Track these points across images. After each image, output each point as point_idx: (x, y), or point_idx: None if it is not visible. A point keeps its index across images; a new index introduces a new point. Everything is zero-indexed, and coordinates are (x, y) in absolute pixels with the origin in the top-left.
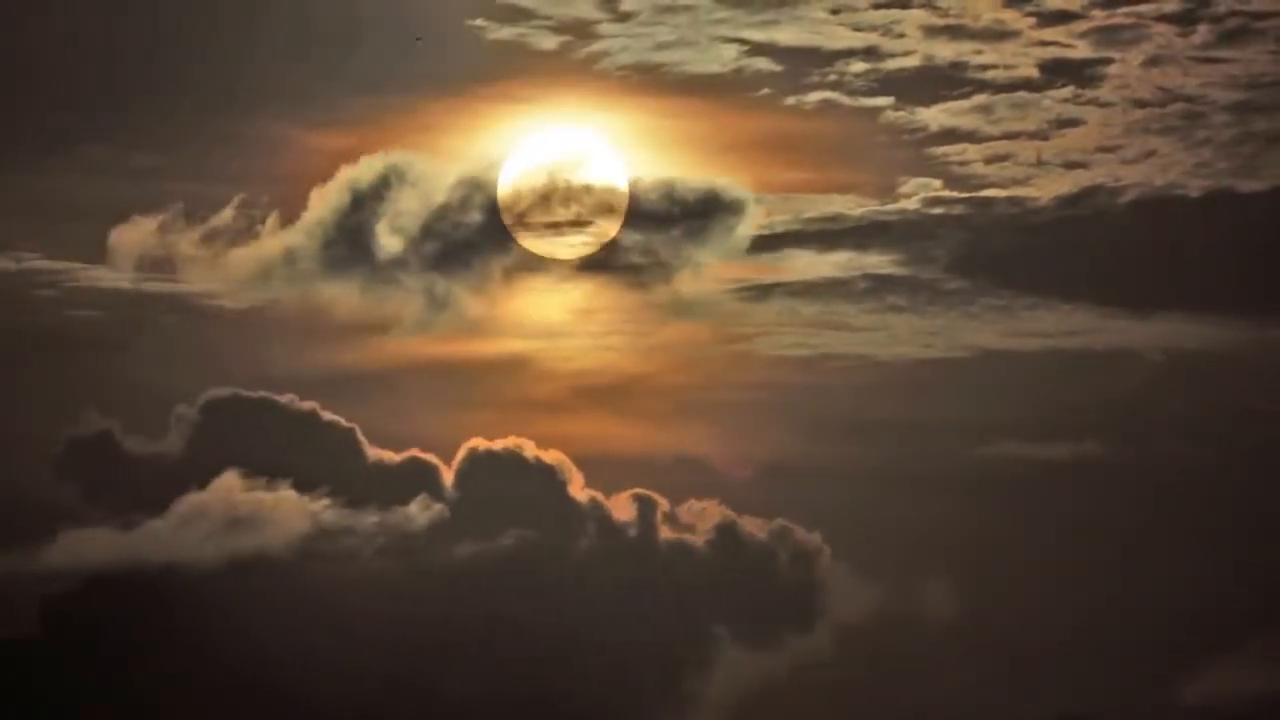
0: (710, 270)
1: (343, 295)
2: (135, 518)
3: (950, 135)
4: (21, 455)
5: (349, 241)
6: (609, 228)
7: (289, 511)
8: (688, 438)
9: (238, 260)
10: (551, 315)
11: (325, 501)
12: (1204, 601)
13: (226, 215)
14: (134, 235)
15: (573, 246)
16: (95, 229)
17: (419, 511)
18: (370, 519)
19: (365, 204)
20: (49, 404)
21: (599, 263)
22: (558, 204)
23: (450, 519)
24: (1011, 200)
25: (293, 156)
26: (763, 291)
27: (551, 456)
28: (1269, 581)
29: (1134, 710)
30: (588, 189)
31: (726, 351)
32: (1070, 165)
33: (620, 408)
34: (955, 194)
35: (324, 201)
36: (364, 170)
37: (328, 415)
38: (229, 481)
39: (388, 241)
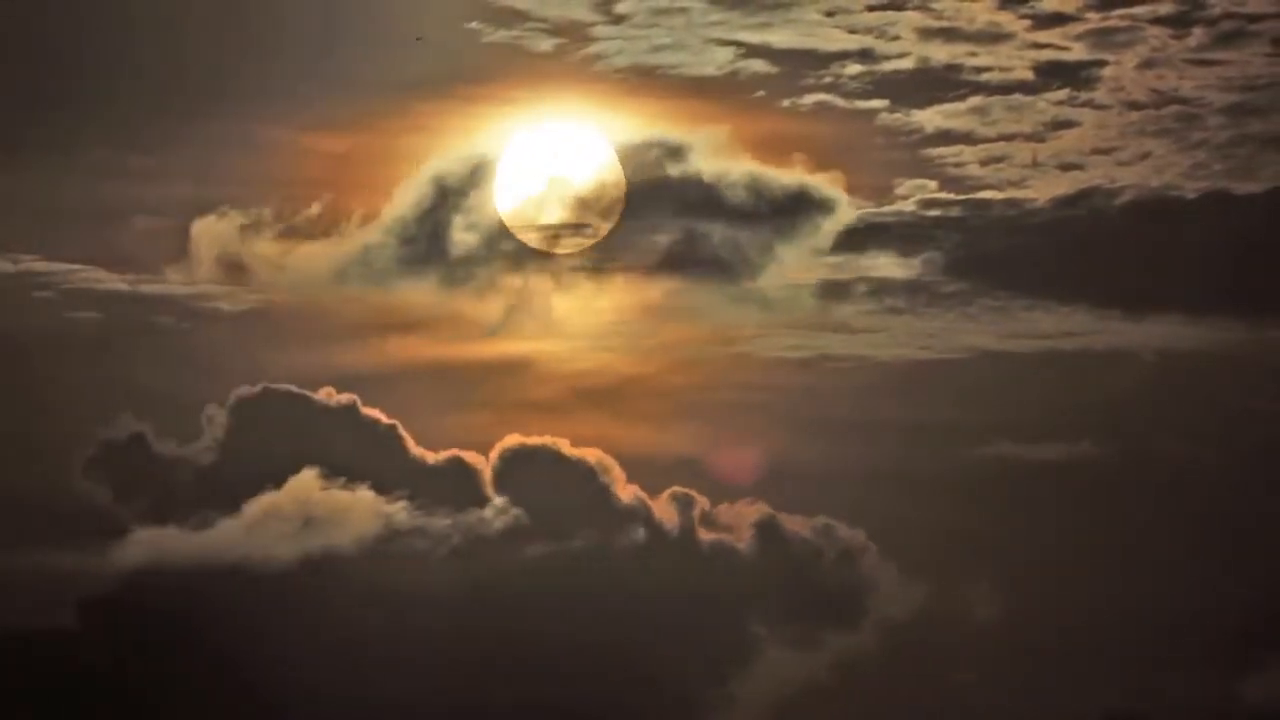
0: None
1: (418, 293)
2: (208, 516)
3: (946, 137)
4: (61, 458)
5: (428, 238)
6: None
7: (361, 511)
8: (697, 438)
9: (307, 259)
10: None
11: (402, 503)
12: (1207, 602)
13: (309, 214)
14: (215, 231)
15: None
16: (94, 230)
17: (494, 515)
18: (443, 521)
19: (447, 200)
20: (81, 407)
21: (682, 258)
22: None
23: (528, 522)
24: (1008, 202)
25: (292, 158)
26: (840, 290)
27: (592, 455)
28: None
29: (1186, 708)
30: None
31: (726, 353)
32: (1066, 167)
33: (639, 407)
34: (951, 196)
35: (404, 198)
36: (448, 164)
37: (369, 413)
38: (305, 480)
39: (463, 238)
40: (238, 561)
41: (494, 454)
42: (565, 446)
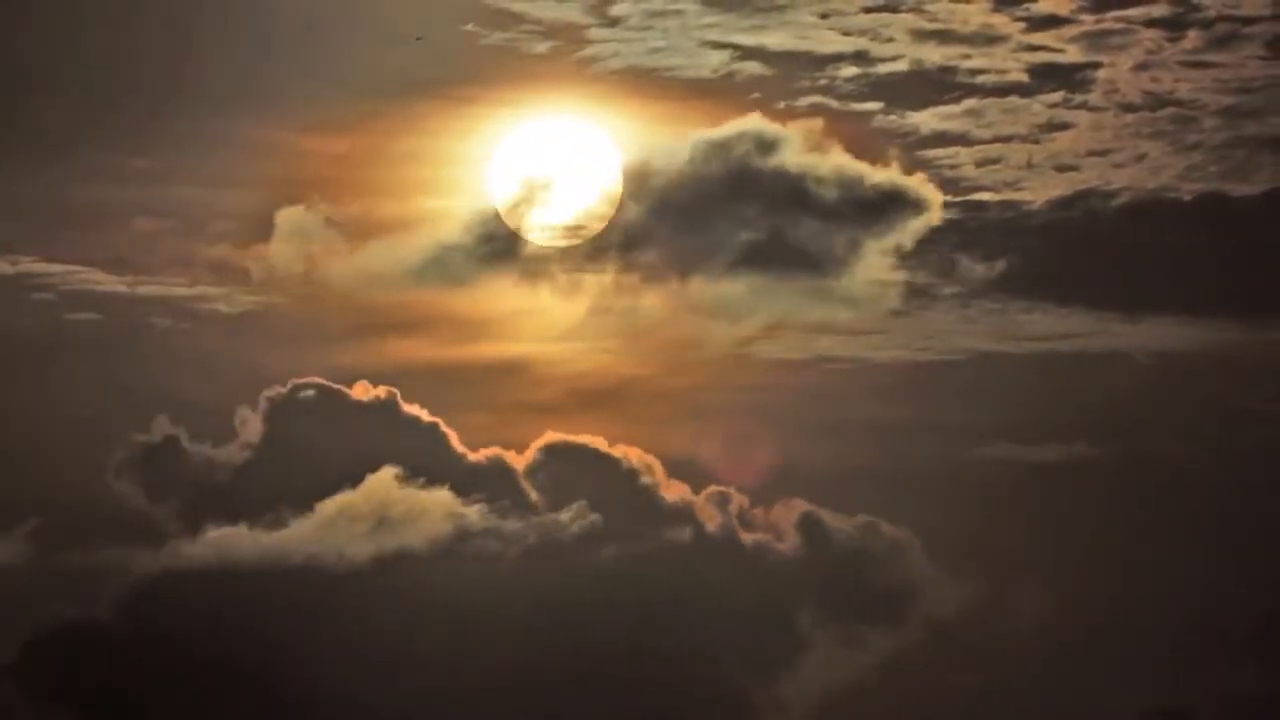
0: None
1: (496, 291)
2: (280, 515)
3: (941, 139)
4: (91, 459)
5: (504, 237)
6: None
7: (434, 511)
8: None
9: (378, 256)
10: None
11: (479, 507)
12: (1213, 601)
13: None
14: (299, 221)
15: None
16: (93, 232)
17: (571, 518)
18: (515, 523)
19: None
20: (114, 409)
21: (760, 252)
22: None
23: (604, 525)
24: (1004, 204)
25: (290, 160)
26: (923, 291)
27: (634, 454)
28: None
29: (1228, 705)
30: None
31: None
32: (1061, 168)
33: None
34: (948, 197)
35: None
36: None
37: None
38: (383, 478)
39: (535, 237)
40: (307, 561)
41: (530, 452)
42: (604, 445)
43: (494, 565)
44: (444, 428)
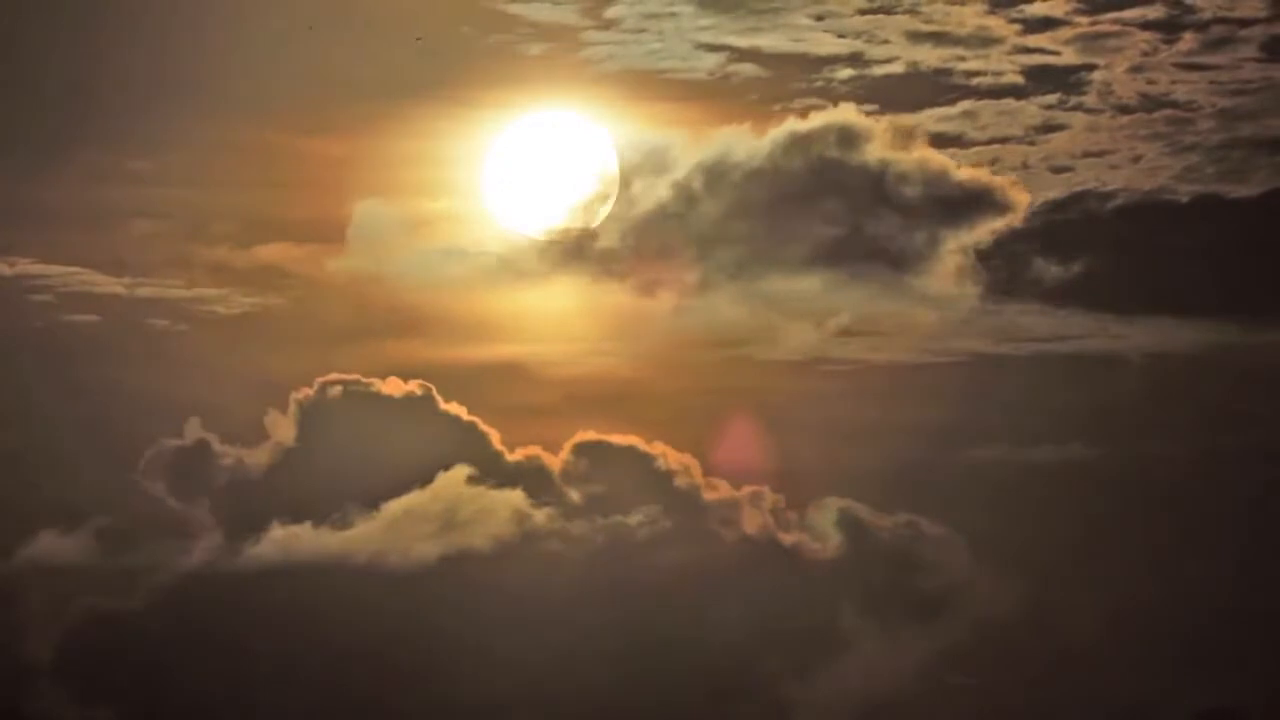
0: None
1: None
2: (345, 515)
3: (936, 140)
4: (128, 460)
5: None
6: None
7: (500, 511)
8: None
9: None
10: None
11: (548, 509)
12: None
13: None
14: (378, 214)
15: None
16: (91, 233)
17: (641, 522)
18: (581, 525)
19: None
20: (141, 411)
21: (838, 249)
22: None
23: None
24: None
25: (289, 162)
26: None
27: (673, 455)
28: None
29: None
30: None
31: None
32: (1057, 170)
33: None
34: None
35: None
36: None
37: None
38: (453, 476)
39: (606, 235)
40: (372, 560)
41: (565, 451)
42: (643, 444)
43: (556, 566)
44: (483, 426)
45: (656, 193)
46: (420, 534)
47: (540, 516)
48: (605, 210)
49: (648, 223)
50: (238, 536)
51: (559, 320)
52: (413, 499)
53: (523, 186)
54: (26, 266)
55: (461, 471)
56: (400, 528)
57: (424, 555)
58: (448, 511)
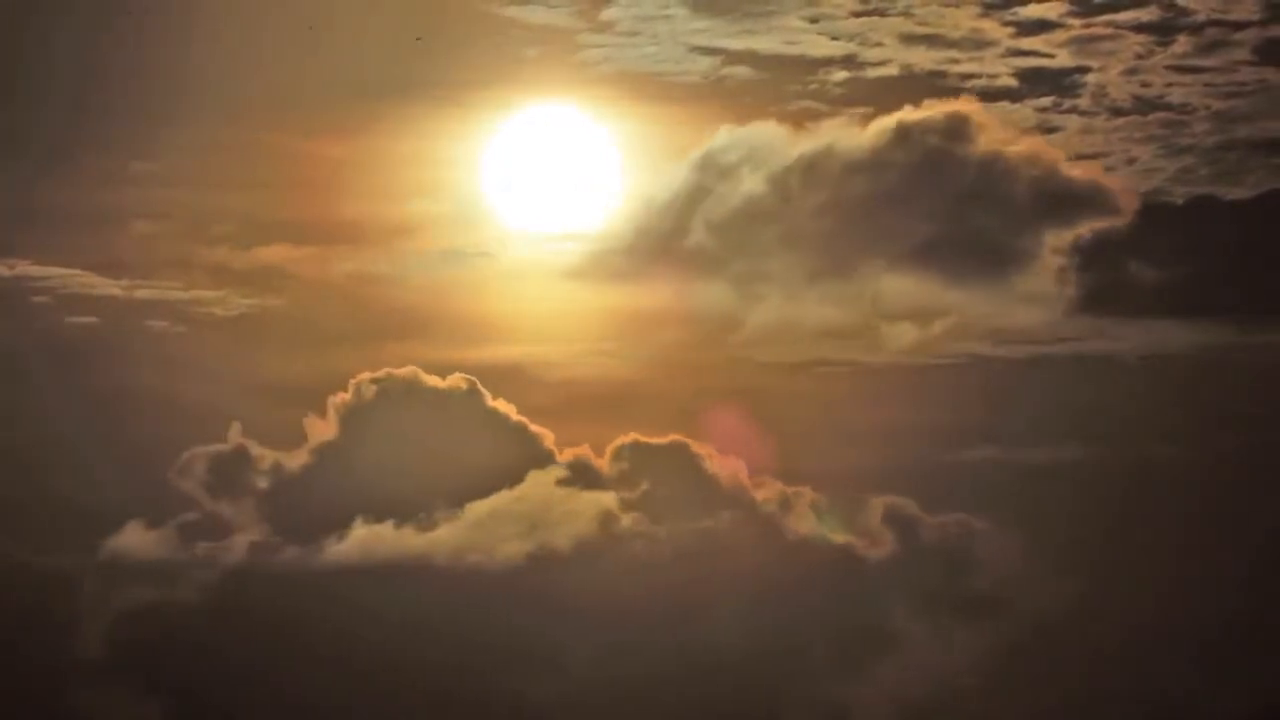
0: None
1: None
2: (430, 518)
3: None
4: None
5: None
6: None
7: (587, 513)
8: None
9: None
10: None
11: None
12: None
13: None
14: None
15: None
16: (90, 235)
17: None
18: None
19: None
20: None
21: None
22: None
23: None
24: None
25: (289, 164)
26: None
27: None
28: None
29: None
30: None
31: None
32: None
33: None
34: None
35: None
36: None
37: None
38: (542, 479)
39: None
40: (455, 560)
41: (611, 451)
42: (692, 445)
43: (616, 567)
44: (533, 427)
45: (748, 189)
46: (507, 534)
47: (627, 519)
48: (611, 210)
49: (738, 220)
50: (290, 537)
51: (580, 320)
52: (498, 500)
53: (521, 187)
54: (26, 268)
55: (553, 474)
56: (485, 528)
57: (509, 555)
58: (536, 512)
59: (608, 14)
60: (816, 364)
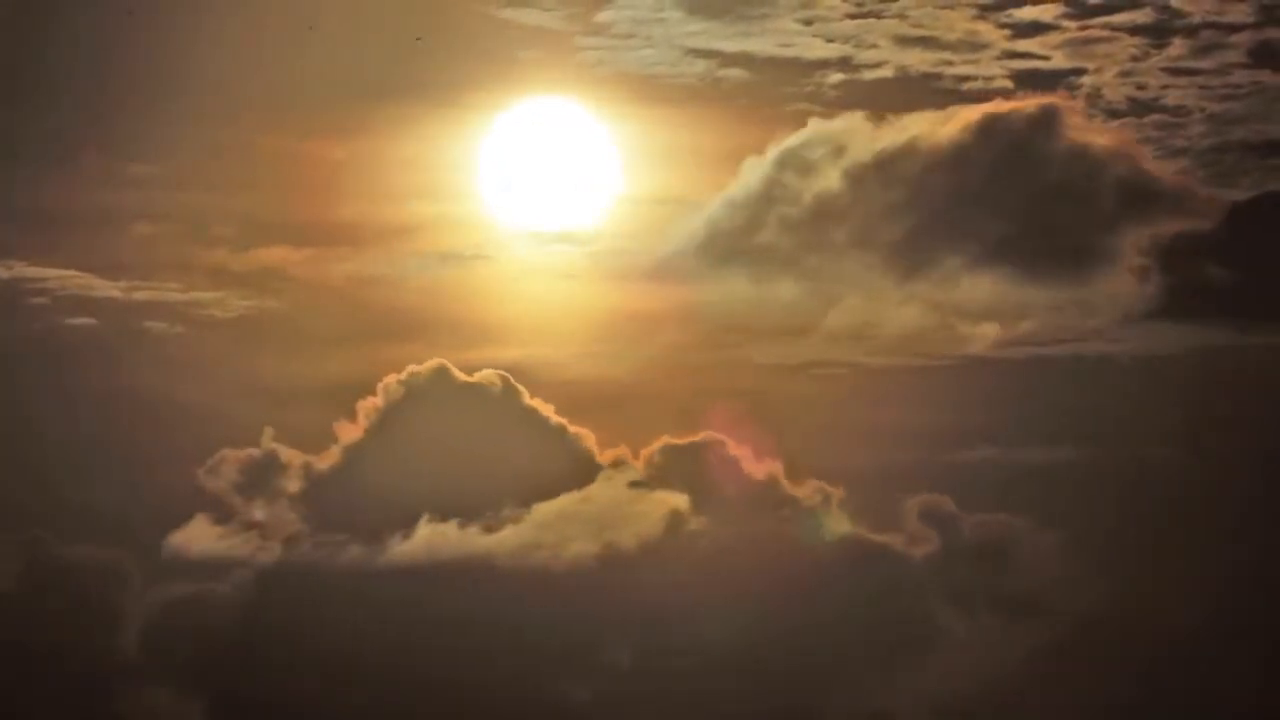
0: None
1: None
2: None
3: None
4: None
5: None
6: None
7: (654, 513)
8: None
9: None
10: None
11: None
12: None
13: None
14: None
15: None
16: (88, 236)
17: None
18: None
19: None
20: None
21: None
22: None
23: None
24: None
25: (288, 165)
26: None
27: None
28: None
29: None
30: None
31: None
32: None
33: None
34: None
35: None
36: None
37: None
38: (614, 481)
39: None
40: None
41: (648, 452)
42: (730, 446)
43: (698, 568)
44: (573, 428)
45: (822, 185)
46: (575, 535)
47: (694, 521)
48: (607, 208)
49: (814, 216)
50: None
51: (580, 321)
52: (569, 499)
53: (519, 188)
54: (23, 269)
55: (626, 476)
56: (554, 528)
57: (579, 555)
58: (604, 513)
59: (602, 16)
60: (814, 365)
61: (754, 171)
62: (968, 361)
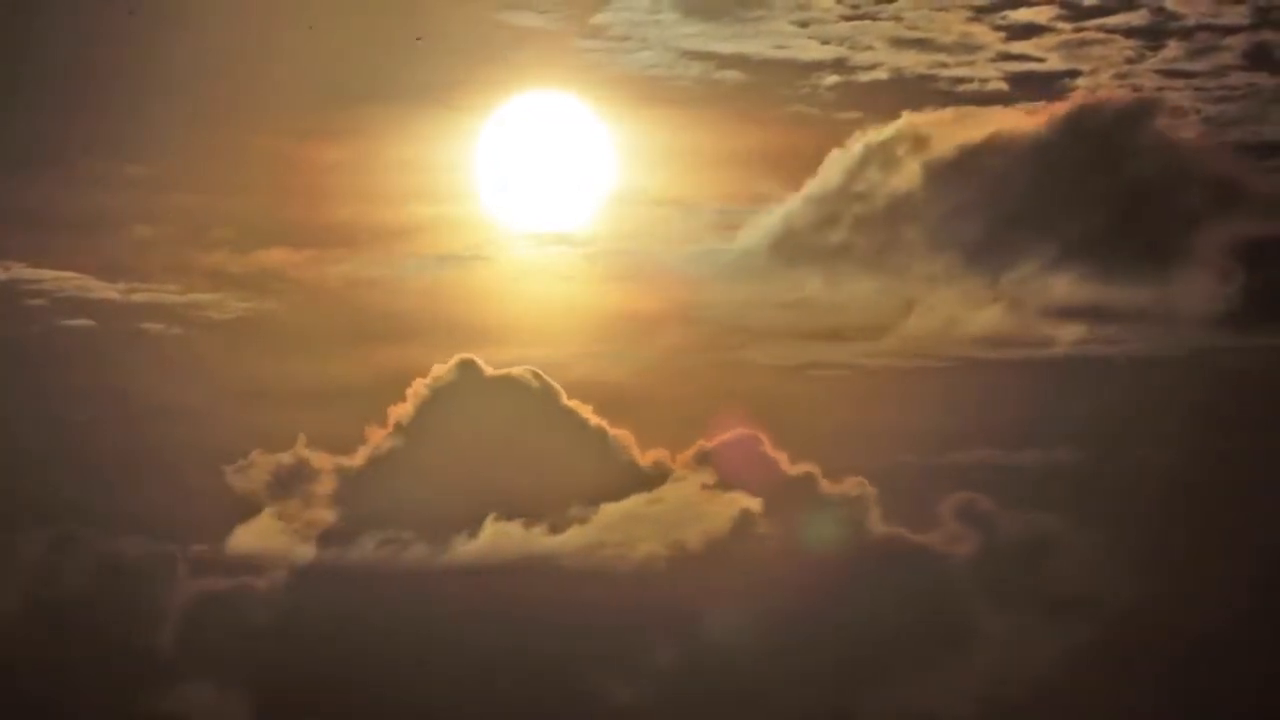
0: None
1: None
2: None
3: None
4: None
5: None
6: None
7: (725, 513)
8: None
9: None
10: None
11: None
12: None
13: None
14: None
15: None
16: (86, 238)
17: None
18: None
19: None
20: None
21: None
22: None
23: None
24: None
25: (287, 167)
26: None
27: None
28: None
29: None
30: None
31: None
32: None
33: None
34: None
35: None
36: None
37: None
38: (688, 484)
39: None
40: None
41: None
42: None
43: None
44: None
45: (897, 182)
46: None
47: (765, 525)
48: (604, 209)
49: (892, 214)
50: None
51: (580, 322)
52: (635, 501)
53: (517, 189)
54: (21, 271)
55: (697, 480)
56: (620, 529)
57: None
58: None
59: (599, 19)
60: (811, 366)
61: (835, 166)
62: (964, 363)
